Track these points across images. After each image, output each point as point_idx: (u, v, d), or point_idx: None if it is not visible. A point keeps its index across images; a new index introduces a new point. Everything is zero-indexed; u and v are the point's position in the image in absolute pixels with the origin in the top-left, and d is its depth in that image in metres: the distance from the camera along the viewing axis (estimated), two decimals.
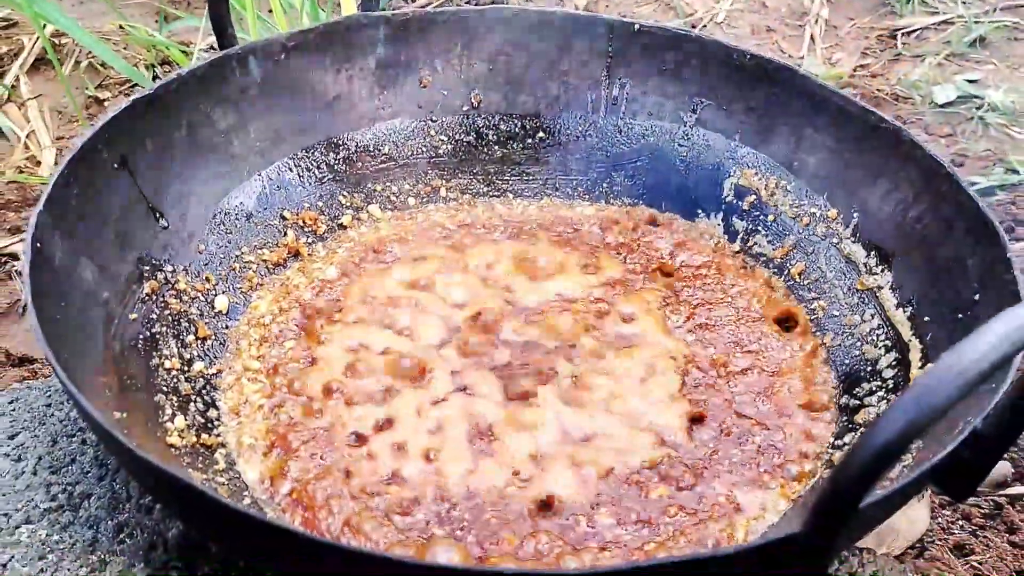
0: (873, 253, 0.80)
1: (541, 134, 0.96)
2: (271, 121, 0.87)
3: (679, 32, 0.90)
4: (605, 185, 0.95)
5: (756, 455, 0.70)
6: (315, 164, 0.90)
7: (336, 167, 0.91)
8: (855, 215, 0.82)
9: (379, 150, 0.93)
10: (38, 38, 1.83)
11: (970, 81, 1.76)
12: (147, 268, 0.75)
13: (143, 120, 0.77)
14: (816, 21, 2.12)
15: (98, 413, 0.50)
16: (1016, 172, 1.46)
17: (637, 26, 0.91)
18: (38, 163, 1.53)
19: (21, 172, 1.49)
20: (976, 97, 1.70)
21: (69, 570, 0.62)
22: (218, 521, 0.49)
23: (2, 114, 1.66)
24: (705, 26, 1.92)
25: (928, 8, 2.09)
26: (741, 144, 0.90)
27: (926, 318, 0.73)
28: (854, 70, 1.84)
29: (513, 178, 0.96)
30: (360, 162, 0.92)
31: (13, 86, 1.68)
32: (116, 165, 0.74)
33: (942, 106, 1.71)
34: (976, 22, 1.93)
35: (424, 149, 0.95)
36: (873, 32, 2.05)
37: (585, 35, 0.92)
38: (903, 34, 2.01)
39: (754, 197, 0.89)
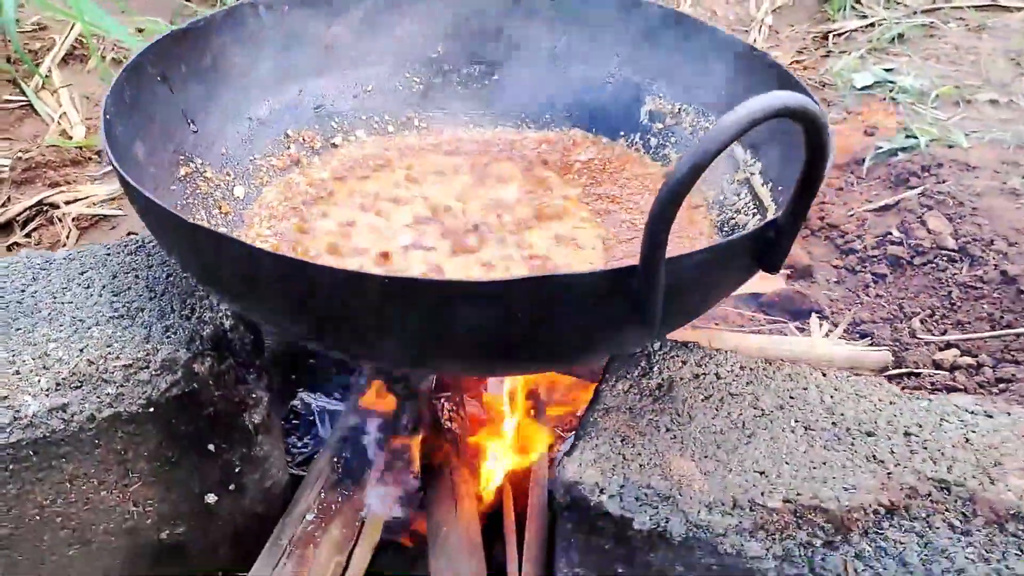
0: (749, 150, 1.03)
1: (495, 76, 1.20)
2: (278, 60, 1.10)
3: None
4: (547, 115, 1.19)
5: None
6: (313, 95, 1.13)
7: (329, 98, 1.14)
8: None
9: (364, 87, 1.17)
10: (66, 37, 2.07)
11: (886, 70, 2.00)
12: (182, 157, 0.98)
13: (178, 47, 1.00)
14: (760, 27, 2.37)
15: (137, 184, 0.72)
16: (915, 137, 1.69)
17: None
18: (70, 137, 1.76)
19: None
20: (890, 82, 1.94)
21: (130, 353, 0.83)
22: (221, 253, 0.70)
23: (39, 99, 1.89)
24: None
25: (858, 13, 2.34)
26: (654, 80, 1.14)
27: (779, 187, 0.96)
28: (788, 64, 2.08)
29: (472, 111, 1.19)
30: (350, 95, 1.15)
31: (47, 76, 1.91)
32: (159, 78, 0.97)
33: (861, 90, 1.95)
34: (896, 22, 2.18)
35: (400, 87, 1.18)
36: (809, 35, 2.31)
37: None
38: (834, 35, 2.26)
39: (662, 121, 1.13)
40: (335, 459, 0.96)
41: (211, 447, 0.89)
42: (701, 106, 1.10)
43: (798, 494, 0.75)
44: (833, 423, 0.81)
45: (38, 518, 0.85)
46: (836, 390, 0.85)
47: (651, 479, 0.76)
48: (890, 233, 1.51)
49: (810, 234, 1.56)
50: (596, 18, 1.16)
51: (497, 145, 1.16)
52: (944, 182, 1.57)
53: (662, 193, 0.64)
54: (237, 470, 0.92)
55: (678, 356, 0.89)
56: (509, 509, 0.99)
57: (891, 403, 0.83)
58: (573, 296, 0.67)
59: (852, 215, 1.58)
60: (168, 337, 0.85)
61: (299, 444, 1.14)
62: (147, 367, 0.83)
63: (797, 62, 2.15)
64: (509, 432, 1.05)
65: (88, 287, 0.91)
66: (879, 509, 0.74)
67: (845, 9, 2.31)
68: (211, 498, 0.92)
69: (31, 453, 0.80)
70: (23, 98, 1.85)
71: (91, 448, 0.83)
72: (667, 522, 0.75)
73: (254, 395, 0.89)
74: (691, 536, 0.75)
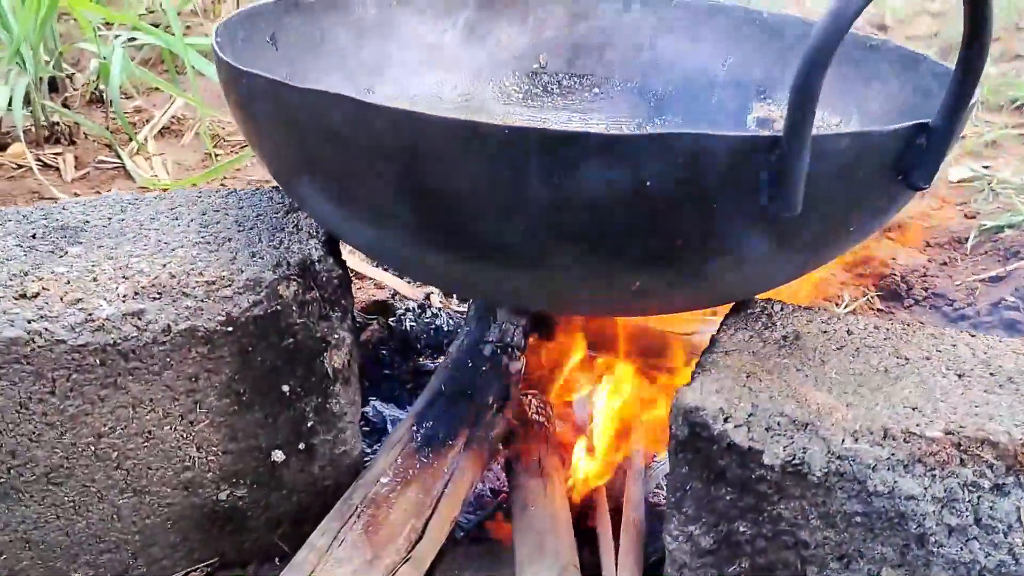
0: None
1: (596, 89, 1.18)
2: (378, 49, 1.10)
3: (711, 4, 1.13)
4: (648, 127, 1.15)
5: None
6: (410, 86, 1.12)
7: (423, 93, 1.13)
8: (854, 117, 1.00)
9: (458, 92, 1.15)
10: (165, 112, 2.13)
11: (984, 166, 1.95)
12: None
13: (288, 17, 1.00)
14: None
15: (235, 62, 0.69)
16: (1021, 215, 1.62)
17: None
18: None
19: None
20: (987, 176, 1.89)
21: (214, 271, 0.78)
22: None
23: (132, 162, 1.93)
24: None
25: None
26: (763, 85, 1.10)
27: None
28: None
29: (572, 119, 1.16)
30: (445, 96, 1.14)
31: (143, 143, 1.95)
32: (268, 39, 0.96)
33: (957, 182, 1.90)
34: (988, 130, 2.15)
35: (499, 95, 1.17)
36: None
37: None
38: None
39: (770, 127, 1.08)
40: (415, 427, 0.87)
41: (286, 389, 0.81)
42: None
43: (961, 426, 0.64)
44: (991, 373, 0.71)
45: (93, 449, 0.77)
46: (990, 347, 0.75)
47: (784, 407, 0.67)
48: (1004, 299, 1.42)
49: (915, 304, 1.48)
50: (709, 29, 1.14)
51: None
52: None
53: (806, 56, 0.59)
54: (309, 425, 0.84)
55: (802, 316, 0.80)
56: (602, 500, 0.88)
57: None
58: (710, 161, 0.61)
59: (960, 285, 1.49)
60: (255, 261, 0.80)
61: (369, 451, 1.05)
62: (230, 285, 0.77)
63: None
64: (598, 431, 0.96)
65: (176, 219, 0.87)
66: None
67: None
68: (278, 455, 0.84)
69: (98, 362, 0.74)
70: (118, 160, 1.89)
71: (161, 368, 0.76)
72: (804, 453, 0.65)
73: (337, 334, 0.82)
74: (833, 471, 0.64)
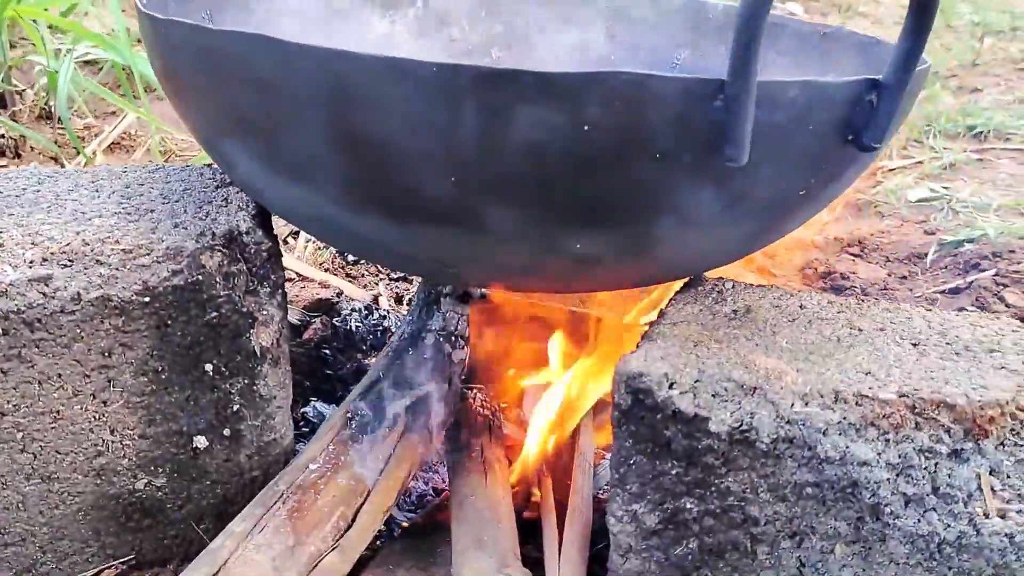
0: None
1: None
2: (324, 38, 1.07)
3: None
4: None
5: None
6: None
7: None
8: None
9: None
10: (115, 128, 2.08)
11: (943, 187, 1.95)
12: None
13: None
14: None
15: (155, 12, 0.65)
16: (981, 231, 1.61)
17: None
18: None
19: None
20: (946, 196, 1.89)
21: (131, 240, 0.73)
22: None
23: None
24: None
25: (904, 155, 2.33)
26: None
27: None
28: None
29: None
30: None
31: (92, 157, 1.90)
32: (204, 14, 0.93)
33: (916, 202, 1.89)
34: (947, 152, 2.16)
35: None
36: None
37: None
38: (883, 171, 2.23)
39: None
40: (350, 414, 0.82)
41: (209, 368, 0.76)
42: None
43: (916, 389, 0.61)
44: (948, 343, 0.68)
45: None
46: (946, 320, 0.72)
47: (732, 372, 0.63)
48: (964, 309, 1.39)
49: None
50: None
51: None
52: (1020, 263, 1.47)
53: None
54: (235, 409, 0.79)
55: (754, 292, 0.77)
56: (548, 491, 0.83)
57: (1014, 331, 0.70)
58: (652, 104, 0.58)
59: (920, 296, 1.47)
60: (177, 231, 0.76)
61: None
62: (149, 254, 0.73)
63: None
64: (544, 420, 0.91)
65: (97, 191, 0.82)
66: (1021, 413, 0.60)
67: (891, 152, 2.30)
68: (201, 441, 0.78)
69: (0, 331, 0.69)
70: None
71: (71, 340, 0.71)
72: (752, 418, 0.61)
73: (265, 310, 0.78)
74: (782, 437, 0.60)
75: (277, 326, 0.79)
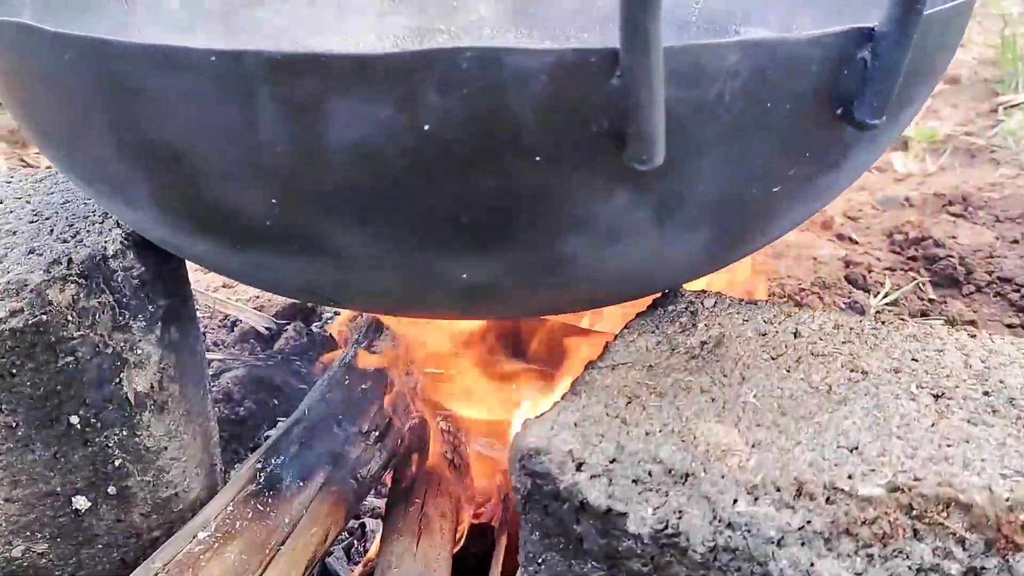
0: None
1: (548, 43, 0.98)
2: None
3: None
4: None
5: None
6: None
7: None
8: None
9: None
10: None
11: None
12: None
13: None
14: None
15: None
16: None
17: None
18: None
19: None
20: None
21: None
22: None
23: None
24: None
25: None
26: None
27: None
28: (947, 135, 1.78)
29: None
30: None
31: None
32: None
33: None
34: None
35: None
36: (974, 111, 1.99)
37: None
38: (1005, 107, 1.94)
39: None
40: (260, 464, 0.69)
41: (75, 421, 0.64)
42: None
43: (916, 478, 0.42)
44: (985, 392, 0.49)
45: None
46: (991, 353, 0.52)
47: (661, 449, 0.46)
48: None
49: (976, 290, 1.22)
50: None
51: None
52: None
53: None
54: (116, 464, 0.66)
55: (739, 312, 0.59)
56: (501, 544, 0.68)
57: None
58: (517, 89, 0.41)
59: None
60: (28, 259, 0.63)
61: None
62: None
63: (961, 126, 1.84)
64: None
65: None
66: None
67: (1018, 83, 1.99)
68: (81, 502, 0.67)
69: None
70: None
71: None
72: (679, 519, 0.44)
73: (138, 349, 0.65)
74: (722, 546, 0.43)
75: (156, 366, 0.66)
